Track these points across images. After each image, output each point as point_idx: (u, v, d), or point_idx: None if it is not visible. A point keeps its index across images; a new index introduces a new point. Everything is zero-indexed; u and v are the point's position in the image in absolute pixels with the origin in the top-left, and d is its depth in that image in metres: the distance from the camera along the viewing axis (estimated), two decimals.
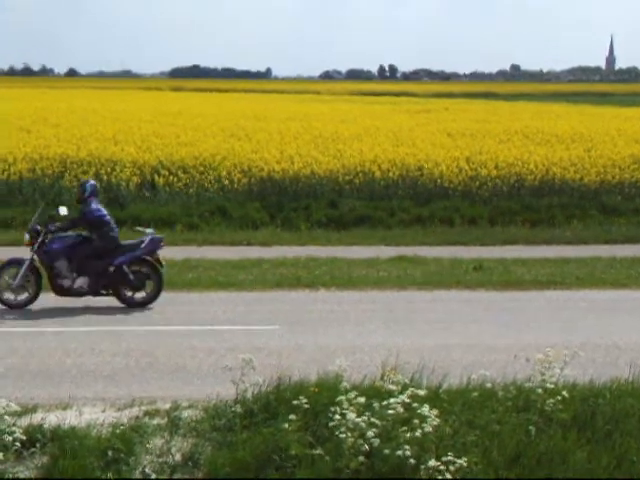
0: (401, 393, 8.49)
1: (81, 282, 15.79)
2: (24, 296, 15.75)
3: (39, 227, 15.96)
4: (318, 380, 9.62)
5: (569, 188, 27.90)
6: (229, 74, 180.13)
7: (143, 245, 16.15)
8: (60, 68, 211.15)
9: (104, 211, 16.24)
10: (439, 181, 27.60)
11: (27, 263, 15.72)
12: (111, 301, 15.95)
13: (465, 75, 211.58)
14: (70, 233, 16.09)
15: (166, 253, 20.46)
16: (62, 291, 15.82)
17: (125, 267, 15.89)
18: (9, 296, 15.70)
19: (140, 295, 16.04)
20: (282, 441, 8.39)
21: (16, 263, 15.88)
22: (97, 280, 15.83)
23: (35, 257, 15.84)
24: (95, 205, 16.11)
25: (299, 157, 28.48)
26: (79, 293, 15.84)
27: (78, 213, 16.33)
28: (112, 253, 15.91)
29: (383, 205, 26.47)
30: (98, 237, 15.91)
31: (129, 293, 15.99)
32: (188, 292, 16.96)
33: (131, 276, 15.89)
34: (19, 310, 15.46)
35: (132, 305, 15.85)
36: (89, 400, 10.58)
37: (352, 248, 22.25)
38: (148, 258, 16.14)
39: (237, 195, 26.62)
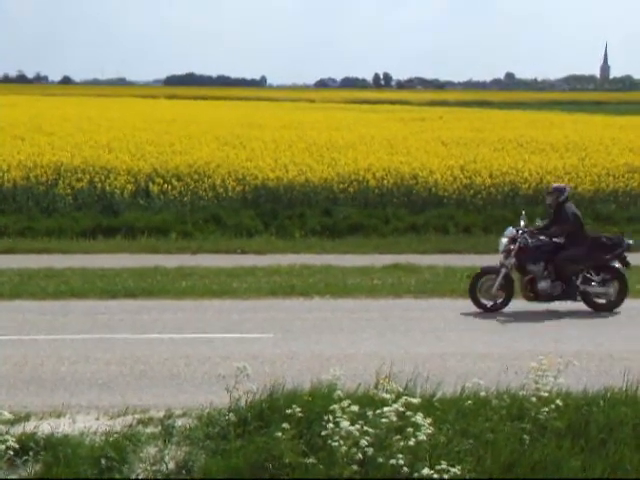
0: (395, 402, 8.48)
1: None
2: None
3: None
4: (312, 388, 9.61)
5: None
6: (224, 82, 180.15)
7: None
8: (54, 75, 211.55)
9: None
10: (433, 189, 27.63)
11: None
12: (108, 308, 15.94)
13: (459, 84, 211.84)
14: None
15: (160, 261, 20.55)
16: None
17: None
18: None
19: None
20: (276, 449, 8.36)
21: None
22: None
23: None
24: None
25: (293, 165, 28.50)
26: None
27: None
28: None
29: (377, 213, 26.48)
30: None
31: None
32: (182, 300, 16.93)
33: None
34: (12, 317, 15.38)
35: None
36: (83, 408, 10.56)
37: (346, 256, 22.24)
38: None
39: (231, 203, 26.62)
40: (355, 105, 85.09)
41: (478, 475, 8.09)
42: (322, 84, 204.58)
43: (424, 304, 17.01)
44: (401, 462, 7.81)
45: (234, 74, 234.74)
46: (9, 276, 18.55)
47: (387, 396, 8.73)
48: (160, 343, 13.84)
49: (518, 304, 16.93)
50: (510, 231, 16.87)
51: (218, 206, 26.36)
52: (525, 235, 16.62)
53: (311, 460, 8.17)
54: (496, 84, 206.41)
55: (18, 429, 9.04)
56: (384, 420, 8.18)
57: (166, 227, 24.62)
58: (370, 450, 7.95)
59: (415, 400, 8.56)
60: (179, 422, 9.69)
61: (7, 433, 8.42)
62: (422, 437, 8.03)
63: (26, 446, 8.70)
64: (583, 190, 27.99)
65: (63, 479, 8.23)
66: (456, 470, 7.75)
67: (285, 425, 8.49)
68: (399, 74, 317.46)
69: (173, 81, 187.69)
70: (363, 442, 7.94)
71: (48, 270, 19.28)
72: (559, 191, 16.86)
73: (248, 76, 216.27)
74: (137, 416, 10.05)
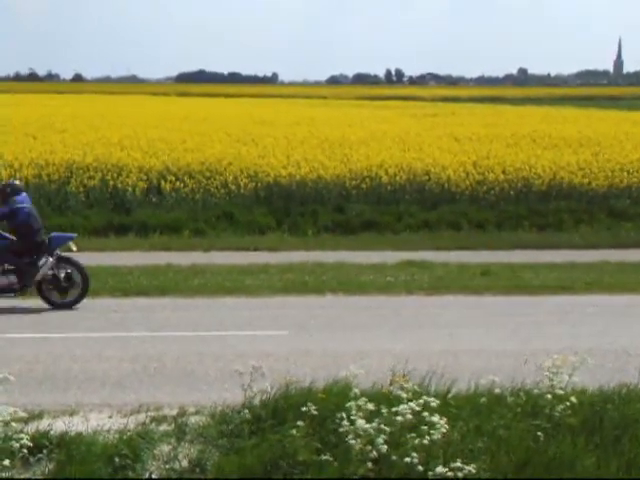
0: (410, 400, 8.43)
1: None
2: None
3: None
4: (326, 386, 9.58)
5: (577, 192, 27.87)
6: (235, 79, 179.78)
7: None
8: (66, 73, 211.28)
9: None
10: (446, 186, 27.59)
11: None
12: (120, 306, 15.94)
13: (472, 79, 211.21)
14: None
15: (173, 258, 20.54)
16: None
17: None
18: None
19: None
20: (290, 447, 8.33)
21: None
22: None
23: None
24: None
25: (306, 162, 28.47)
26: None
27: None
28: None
29: (390, 210, 26.45)
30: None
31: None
32: (195, 298, 16.92)
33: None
34: (24, 316, 15.41)
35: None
36: (96, 406, 10.55)
37: (359, 253, 22.19)
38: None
39: (244, 200, 26.61)
40: (367, 101, 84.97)
41: (492, 473, 8.05)
42: (334, 80, 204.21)
43: (437, 301, 16.97)
44: (415, 460, 7.77)
45: (245, 71, 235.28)
46: None
47: (402, 394, 8.69)
48: (173, 341, 13.84)
49: (528, 301, 16.89)
50: None
51: (230, 203, 26.36)
52: None
53: (325, 457, 8.13)
54: (509, 79, 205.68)
55: (32, 427, 9.03)
56: (399, 418, 8.15)
57: (178, 225, 24.63)
58: (384, 448, 7.92)
59: (431, 398, 8.52)
60: (192, 420, 9.67)
61: (21, 431, 8.39)
62: (436, 435, 7.99)
63: (40, 444, 8.69)
64: (597, 186, 27.92)
65: (77, 478, 8.22)
66: (470, 468, 7.71)
67: (300, 423, 8.46)
68: (411, 70, 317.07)
69: (184, 78, 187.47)
70: (378, 440, 7.91)
71: None
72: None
73: (260, 73, 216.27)
74: (150, 414, 10.03)
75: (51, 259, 16.10)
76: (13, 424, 8.34)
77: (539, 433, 8.66)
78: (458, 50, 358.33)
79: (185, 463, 8.70)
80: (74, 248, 16.57)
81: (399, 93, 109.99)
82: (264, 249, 22.67)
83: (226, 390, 10.39)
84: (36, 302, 16.27)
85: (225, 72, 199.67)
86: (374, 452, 7.93)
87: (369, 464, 7.94)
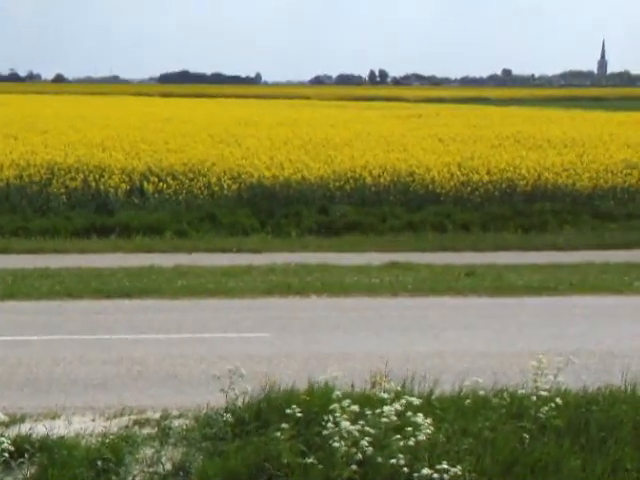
0: (394, 401, 8.39)
1: None
2: None
3: None
4: (309, 388, 9.52)
5: (561, 193, 27.91)
6: (218, 79, 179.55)
7: None
8: (47, 74, 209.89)
9: None
10: (430, 187, 27.58)
11: None
12: (103, 308, 15.85)
13: (456, 80, 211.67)
14: None
15: (156, 260, 20.45)
16: None
17: None
18: None
19: None
20: (274, 450, 8.28)
21: None
22: None
23: None
24: None
25: (289, 163, 28.43)
26: None
27: None
28: None
29: (374, 211, 26.43)
30: None
31: None
32: (178, 299, 16.83)
33: None
34: (5, 318, 15.27)
35: None
36: (78, 409, 10.47)
37: (343, 254, 22.16)
38: None
39: (227, 201, 26.55)
40: (351, 102, 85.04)
41: (478, 475, 8.01)
42: (317, 81, 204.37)
43: (422, 302, 16.93)
44: (401, 462, 7.74)
45: (229, 71, 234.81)
46: (3, 276, 18.44)
47: (386, 396, 8.65)
48: (156, 343, 13.76)
49: (513, 302, 16.89)
50: None
51: (213, 205, 26.30)
52: None
53: (310, 460, 8.08)
54: (493, 80, 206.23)
55: (13, 431, 8.96)
56: (384, 420, 8.11)
57: (161, 226, 24.53)
58: (369, 450, 7.88)
59: (415, 400, 8.49)
60: (176, 423, 9.62)
61: (2, 435, 8.33)
62: (421, 437, 7.95)
63: (21, 448, 8.62)
64: (581, 187, 27.95)
65: None
66: (456, 470, 7.67)
67: (284, 425, 8.41)
68: (395, 71, 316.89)
69: (167, 79, 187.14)
70: (363, 442, 7.87)
71: (42, 270, 19.18)
72: None
73: (243, 73, 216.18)
74: (133, 417, 9.98)
75: None
76: None
77: (524, 435, 8.63)
78: (442, 51, 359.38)
79: (169, 466, 8.65)
80: None
81: (383, 94, 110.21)
82: (247, 251, 22.60)
83: (210, 393, 10.31)
84: (17, 304, 16.18)
85: (208, 72, 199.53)
86: (359, 454, 7.89)
87: (354, 466, 7.90)
